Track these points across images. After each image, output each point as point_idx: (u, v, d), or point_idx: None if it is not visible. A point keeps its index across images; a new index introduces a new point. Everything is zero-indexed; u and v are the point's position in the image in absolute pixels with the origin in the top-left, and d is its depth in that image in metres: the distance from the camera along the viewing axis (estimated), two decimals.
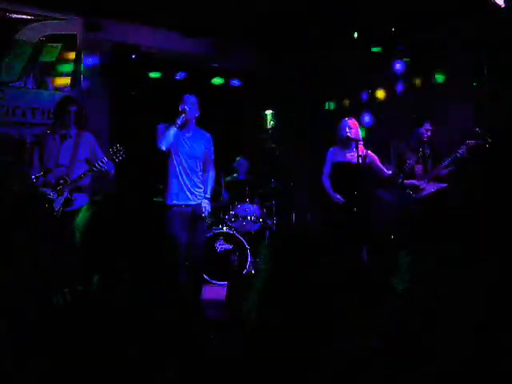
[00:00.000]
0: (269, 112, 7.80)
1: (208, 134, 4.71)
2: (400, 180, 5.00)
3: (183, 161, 4.54)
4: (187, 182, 4.53)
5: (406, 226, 4.99)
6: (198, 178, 4.61)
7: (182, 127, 4.53)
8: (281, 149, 7.62)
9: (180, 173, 4.52)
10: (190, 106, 4.51)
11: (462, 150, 4.81)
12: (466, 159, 4.84)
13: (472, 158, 4.84)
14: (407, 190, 5.05)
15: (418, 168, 5.14)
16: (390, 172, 5.13)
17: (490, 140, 4.82)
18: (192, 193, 4.55)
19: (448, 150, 4.95)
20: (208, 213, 4.63)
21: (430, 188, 5.06)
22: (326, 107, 7.59)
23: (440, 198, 5.04)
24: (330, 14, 5.93)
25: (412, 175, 5.08)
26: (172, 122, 4.46)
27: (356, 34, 6.29)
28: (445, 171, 5.00)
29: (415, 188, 5.03)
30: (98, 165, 4.38)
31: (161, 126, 4.51)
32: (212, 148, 4.72)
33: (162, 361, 1.57)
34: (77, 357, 1.49)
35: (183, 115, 4.46)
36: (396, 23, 5.93)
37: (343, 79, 6.84)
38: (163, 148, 4.46)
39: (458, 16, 5.41)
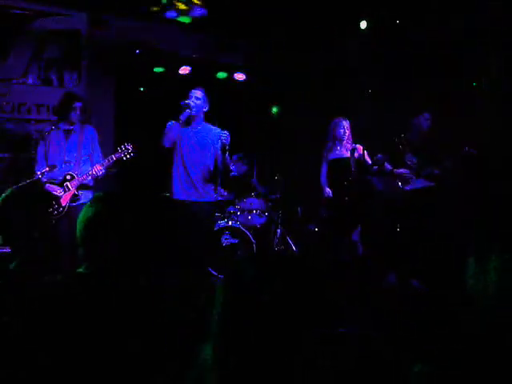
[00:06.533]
0: (274, 106, 7.80)
1: (217, 130, 4.48)
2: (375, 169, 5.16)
3: (187, 155, 4.44)
4: (191, 177, 4.44)
5: (389, 215, 5.20)
6: (203, 174, 4.48)
7: (187, 123, 4.45)
8: (286, 143, 7.61)
9: (183, 167, 4.45)
10: (194, 101, 4.41)
11: (448, 163, 4.98)
12: (453, 169, 4.99)
13: (461, 167, 4.97)
14: (397, 181, 5.17)
15: (412, 160, 5.26)
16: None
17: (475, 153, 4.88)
18: (196, 188, 4.45)
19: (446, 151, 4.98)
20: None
21: (418, 184, 5.19)
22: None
23: (426, 195, 5.17)
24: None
25: (401, 165, 5.16)
26: (177, 119, 4.38)
27: (364, 24, 6.22)
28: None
29: (404, 179, 5.16)
30: (94, 172, 4.42)
31: (169, 123, 4.45)
32: (220, 144, 4.41)
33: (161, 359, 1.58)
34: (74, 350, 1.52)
35: (187, 110, 4.35)
36: (400, 21, 5.89)
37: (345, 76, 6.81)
38: (166, 145, 4.42)
39: (460, 15, 5.37)
